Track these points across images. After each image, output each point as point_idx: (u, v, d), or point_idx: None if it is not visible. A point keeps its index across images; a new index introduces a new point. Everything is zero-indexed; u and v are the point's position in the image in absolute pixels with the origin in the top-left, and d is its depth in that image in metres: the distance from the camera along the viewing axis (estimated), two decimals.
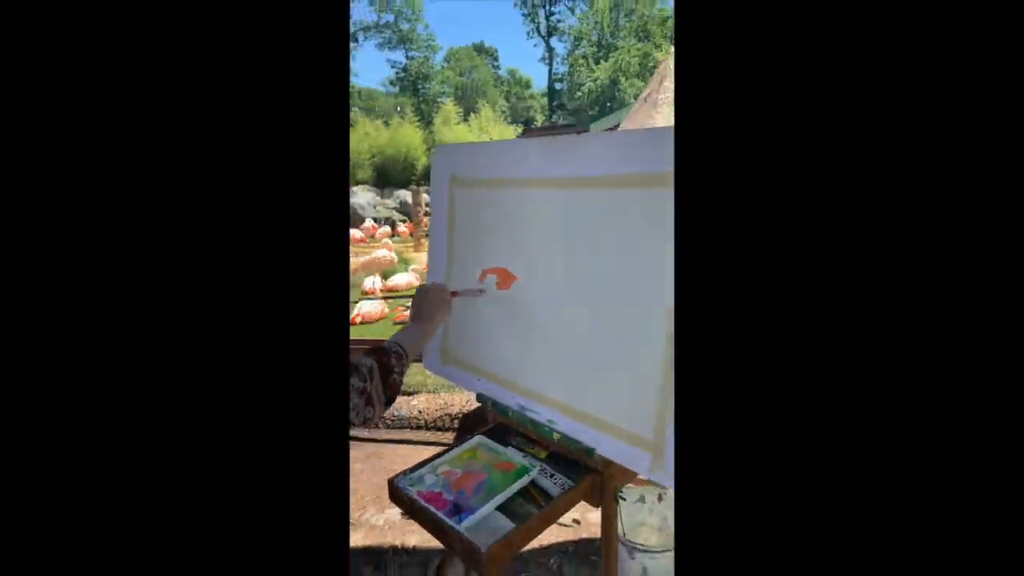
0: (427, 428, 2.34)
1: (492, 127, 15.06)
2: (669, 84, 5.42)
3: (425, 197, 11.85)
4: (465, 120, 15.70)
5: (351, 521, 1.77)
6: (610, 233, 0.75)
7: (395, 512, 1.81)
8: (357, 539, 1.69)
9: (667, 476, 0.70)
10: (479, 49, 29.35)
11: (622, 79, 21.83)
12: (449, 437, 2.27)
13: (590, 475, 0.82)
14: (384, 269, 5.47)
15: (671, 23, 22.49)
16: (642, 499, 0.95)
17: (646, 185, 0.70)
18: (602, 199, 0.76)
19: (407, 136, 14.78)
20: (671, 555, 0.85)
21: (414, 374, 2.79)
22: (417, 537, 1.69)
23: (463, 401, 2.47)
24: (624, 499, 0.83)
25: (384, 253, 5.69)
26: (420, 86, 25.92)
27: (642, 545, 0.84)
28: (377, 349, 0.68)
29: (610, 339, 0.75)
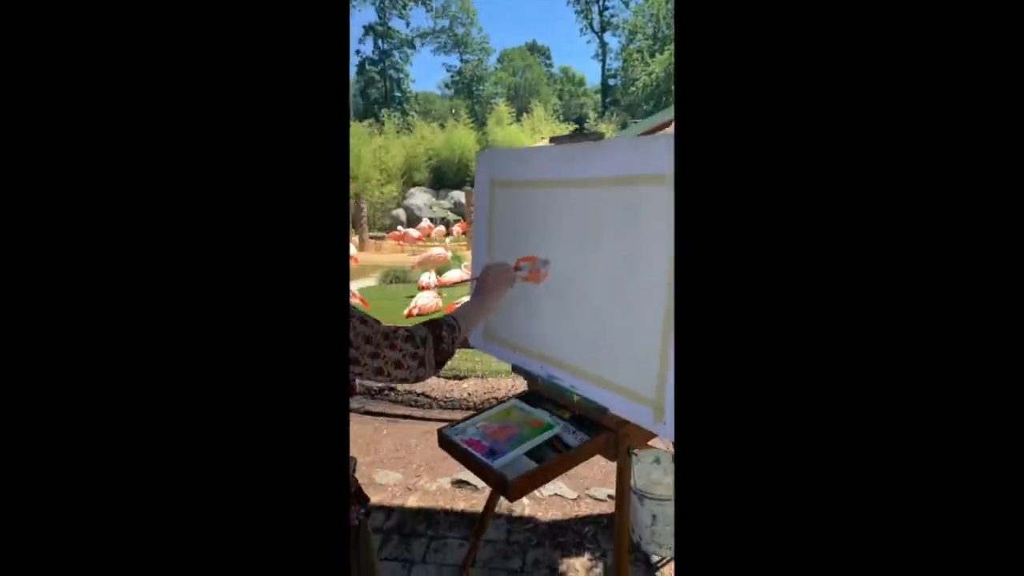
0: (475, 409, 2.54)
1: (544, 126, 15.13)
2: None
3: None
4: (518, 120, 15.87)
5: (408, 487, 1.99)
6: (619, 224, 0.88)
7: (446, 480, 2.02)
8: (412, 501, 1.90)
9: (667, 428, 0.82)
10: (532, 48, 29.47)
11: None
12: None
13: (606, 433, 0.96)
14: (438, 266, 5.78)
15: None
16: (657, 460, 1.07)
17: (650, 184, 0.83)
18: (614, 195, 0.89)
19: (461, 138, 15.17)
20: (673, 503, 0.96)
21: (464, 361, 3.00)
22: (464, 503, 1.88)
23: (508, 385, 2.65)
24: (635, 454, 0.96)
25: (438, 251, 6.01)
26: (474, 88, 26.44)
27: (651, 494, 0.97)
28: (433, 322, 0.81)
29: (620, 314, 0.89)
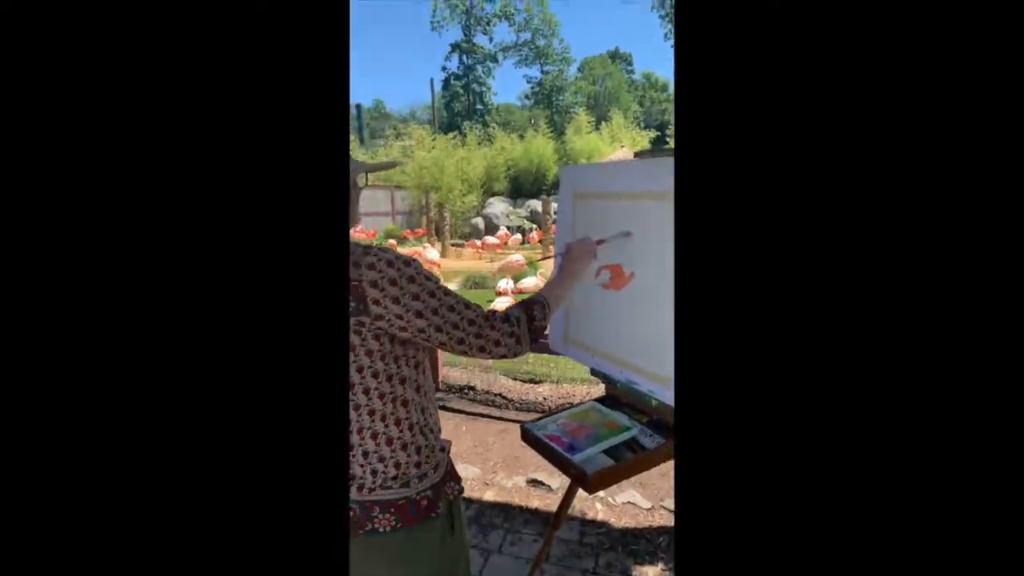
0: (549, 413, 2.60)
1: (623, 134, 14.94)
2: None
3: (554, 206, 12.23)
4: (596, 129, 15.79)
5: (485, 481, 2.09)
6: None
7: (521, 479, 2.10)
8: (490, 495, 2.00)
9: None
10: (614, 56, 29.20)
11: None
12: None
13: None
14: (516, 273, 5.95)
15: None
16: None
17: None
18: None
19: (539, 148, 15.41)
20: None
21: (540, 365, 3.08)
22: (538, 501, 1.95)
23: (583, 392, 2.68)
24: None
25: (516, 258, 6.18)
26: (554, 98, 26.70)
27: None
28: (526, 302, 0.87)
29: None
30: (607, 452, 0.98)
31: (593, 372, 1.20)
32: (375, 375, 0.76)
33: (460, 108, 26.63)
